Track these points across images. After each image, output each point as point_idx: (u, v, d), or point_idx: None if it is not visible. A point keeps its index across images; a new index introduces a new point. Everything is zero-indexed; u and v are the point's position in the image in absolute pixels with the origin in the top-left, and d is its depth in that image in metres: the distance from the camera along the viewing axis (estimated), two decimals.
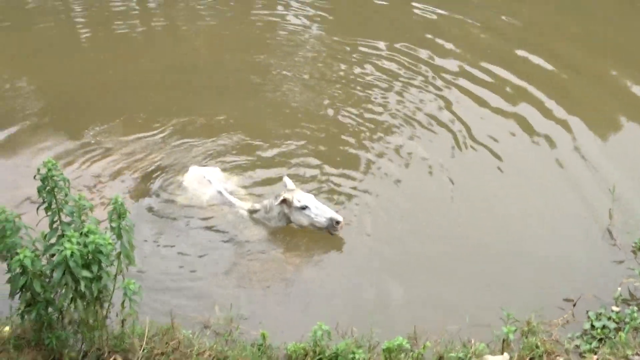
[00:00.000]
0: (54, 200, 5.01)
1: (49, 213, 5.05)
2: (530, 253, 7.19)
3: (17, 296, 5.11)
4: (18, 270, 4.90)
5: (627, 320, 5.99)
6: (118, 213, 5.16)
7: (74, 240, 4.80)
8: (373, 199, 7.89)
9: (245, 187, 8.09)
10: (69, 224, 5.15)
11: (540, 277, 6.86)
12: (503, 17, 12.38)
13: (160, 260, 7.03)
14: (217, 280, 6.82)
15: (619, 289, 6.41)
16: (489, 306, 6.23)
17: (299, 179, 8.04)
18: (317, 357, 5.36)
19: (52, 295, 5.09)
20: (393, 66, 10.76)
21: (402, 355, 5.40)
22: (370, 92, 10.12)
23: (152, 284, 6.60)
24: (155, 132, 9.18)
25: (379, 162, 8.56)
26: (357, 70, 10.76)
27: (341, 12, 12.94)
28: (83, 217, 5.22)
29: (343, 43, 11.52)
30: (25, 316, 5.23)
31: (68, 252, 4.72)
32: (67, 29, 12.37)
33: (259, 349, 5.56)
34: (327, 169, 8.38)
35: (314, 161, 8.53)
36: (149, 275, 6.76)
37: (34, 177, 4.93)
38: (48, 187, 4.93)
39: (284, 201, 7.18)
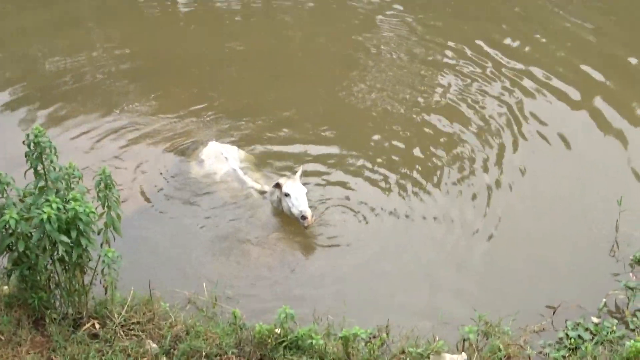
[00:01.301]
0: (42, 166, 5.38)
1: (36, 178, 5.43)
2: (529, 254, 7.20)
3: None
4: (4, 230, 5.32)
5: (603, 333, 5.91)
6: (105, 183, 5.51)
7: (54, 205, 5.15)
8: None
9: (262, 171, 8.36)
10: (57, 190, 5.52)
11: (532, 280, 6.86)
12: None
13: (160, 231, 7.40)
14: (211, 257, 7.09)
15: (604, 300, 6.31)
16: (473, 306, 6.25)
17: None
18: (280, 340, 5.55)
19: (35, 257, 5.45)
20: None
21: (362, 344, 5.53)
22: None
23: (147, 255, 7.00)
24: (209, 112, 9.50)
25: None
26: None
27: None
28: (73, 185, 5.61)
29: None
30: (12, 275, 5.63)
31: (45, 216, 5.07)
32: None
33: (230, 327, 5.80)
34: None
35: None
36: (148, 244, 7.19)
37: (23, 142, 5.31)
38: (35, 153, 5.29)
39: (277, 185, 7.47)
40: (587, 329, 5.98)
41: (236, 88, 10.21)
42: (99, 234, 5.64)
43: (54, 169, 5.44)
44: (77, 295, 5.73)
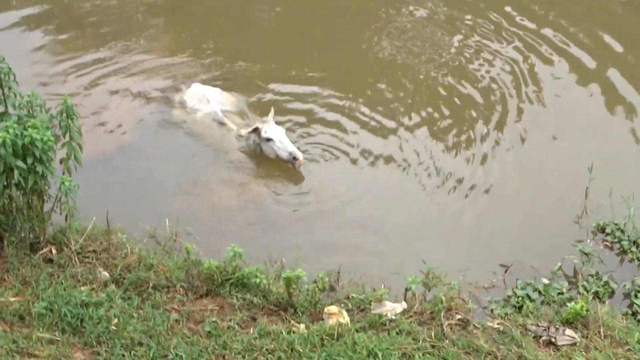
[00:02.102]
0: (1, 91, 5.48)
1: None
2: (501, 216, 7.20)
3: None
4: None
5: (552, 294, 5.94)
6: (66, 113, 5.62)
7: (10, 130, 5.26)
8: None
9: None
10: (19, 117, 5.63)
11: (494, 239, 6.88)
12: None
13: (135, 167, 7.56)
14: (178, 195, 7.19)
15: (559, 264, 6.30)
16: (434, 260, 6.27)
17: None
18: (228, 277, 5.66)
19: None
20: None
21: (305, 287, 5.63)
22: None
23: (118, 189, 7.17)
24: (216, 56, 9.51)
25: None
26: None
27: None
28: (35, 114, 5.70)
29: None
30: None
31: (0, 140, 5.20)
32: None
33: (184, 262, 5.91)
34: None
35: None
36: (120, 178, 7.36)
37: None
38: None
39: (255, 130, 7.49)
40: (536, 289, 5.99)
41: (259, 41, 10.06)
42: (61, 162, 5.79)
43: (15, 95, 5.55)
44: (37, 221, 5.88)
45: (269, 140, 7.39)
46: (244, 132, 7.70)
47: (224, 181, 7.42)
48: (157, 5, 10.79)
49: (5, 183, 5.49)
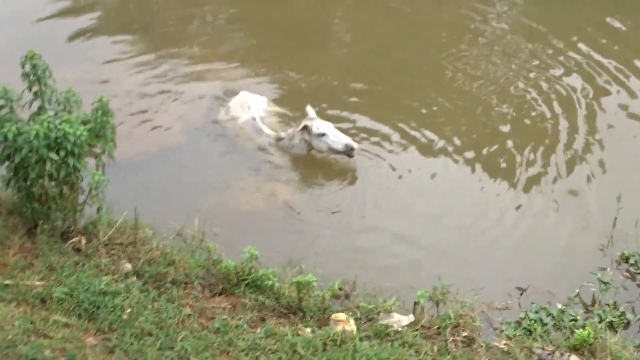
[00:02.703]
0: (38, 87, 5.83)
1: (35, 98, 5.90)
2: (527, 240, 7.21)
3: None
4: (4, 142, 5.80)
5: (565, 320, 5.91)
6: (102, 110, 5.93)
7: (44, 124, 5.58)
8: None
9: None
10: (56, 112, 5.96)
11: (516, 263, 6.89)
12: None
13: (169, 166, 7.92)
14: (211, 197, 7.45)
15: (577, 290, 6.28)
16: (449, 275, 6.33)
17: None
18: (243, 277, 5.85)
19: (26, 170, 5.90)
20: None
21: (317, 292, 5.76)
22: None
23: (155, 186, 7.55)
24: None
25: None
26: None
27: None
28: (72, 110, 6.03)
29: None
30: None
31: (33, 132, 5.51)
32: None
33: (205, 261, 6.12)
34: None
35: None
36: (159, 177, 7.76)
37: (20, 62, 5.77)
38: (31, 76, 5.74)
39: (305, 128, 7.72)
40: (550, 314, 5.97)
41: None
42: (95, 158, 6.11)
43: (51, 91, 5.88)
44: (69, 211, 6.18)
45: (322, 135, 7.63)
46: (284, 134, 7.93)
47: (255, 186, 7.64)
48: (218, 12, 11.24)
49: (39, 173, 5.83)
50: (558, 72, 9.85)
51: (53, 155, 5.59)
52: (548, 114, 9.04)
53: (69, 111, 5.96)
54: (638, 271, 6.57)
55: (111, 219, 6.40)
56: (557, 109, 9.12)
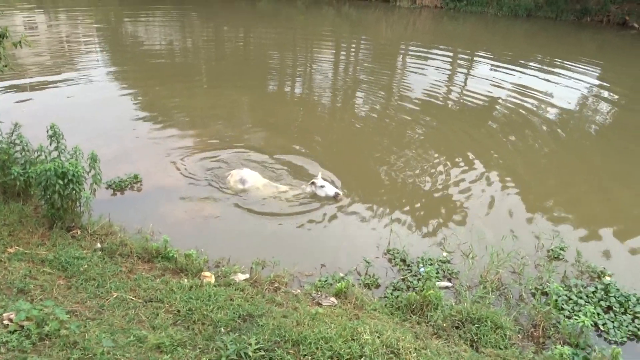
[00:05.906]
0: (56, 145, 10.17)
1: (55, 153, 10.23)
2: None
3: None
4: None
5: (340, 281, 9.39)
6: (92, 159, 10.19)
7: (57, 165, 9.84)
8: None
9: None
10: (67, 159, 10.26)
11: (325, 249, 10.50)
12: None
13: (164, 198, 12.11)
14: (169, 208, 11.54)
15: (355, 267, 9.79)
16: (285, 256, 10.09)
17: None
18: (161, 253, 9.78)
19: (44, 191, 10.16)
20: None
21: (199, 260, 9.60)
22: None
23: (144, 206, 11.64)
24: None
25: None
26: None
27: None
28: (77, 159, 10.31)
29: None
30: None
31: (48, 168, 9.78)
32: None
33: (143, 243, 10.10)
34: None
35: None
36: (152, 201, 11.82)
37: (46, 130, 10.15)
38: (54, 140, 10.10)
39: (313, 183, 12.07)
40: (334, 279, 9.54)
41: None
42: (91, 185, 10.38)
43: (64, 147, 10.21)
44: (72, 215, 10.41)
45: (322, 186, 12.05)
46: (303, 186, 12.31)
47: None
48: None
49: (53, 191, 10.10)
50: None
51: (60, 182, 9.83)
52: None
53: (75, 158, 10.21)
54: (393, 258, 10.07)
55: (99, 221, 10.55)
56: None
